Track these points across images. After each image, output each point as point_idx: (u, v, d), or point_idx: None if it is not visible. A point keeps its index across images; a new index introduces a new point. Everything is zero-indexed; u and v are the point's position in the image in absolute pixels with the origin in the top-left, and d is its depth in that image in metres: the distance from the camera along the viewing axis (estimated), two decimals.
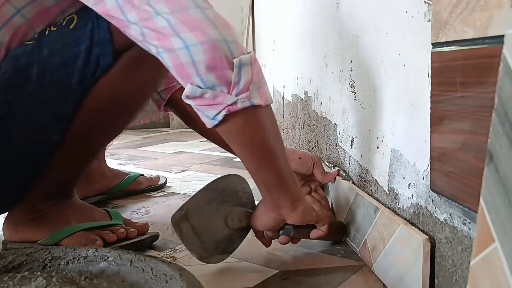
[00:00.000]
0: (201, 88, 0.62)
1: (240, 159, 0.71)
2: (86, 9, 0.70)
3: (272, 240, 0.78)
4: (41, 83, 0.75)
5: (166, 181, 1.29)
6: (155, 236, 0.86)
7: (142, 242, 0.83)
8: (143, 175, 1.26)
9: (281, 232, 0.76)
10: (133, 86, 0.79)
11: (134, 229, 0.84)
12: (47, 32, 0.76)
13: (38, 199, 0.83)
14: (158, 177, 1.28)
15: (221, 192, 0.75)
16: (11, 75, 0.74)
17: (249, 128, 0.67)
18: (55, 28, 0.76)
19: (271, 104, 0.71)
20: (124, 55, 0.76)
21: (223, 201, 0.75)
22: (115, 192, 1.17)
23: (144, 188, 1.22)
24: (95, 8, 0.67)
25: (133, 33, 0.64)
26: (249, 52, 0.66)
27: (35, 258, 0.68)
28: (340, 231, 0.82)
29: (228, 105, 0.63)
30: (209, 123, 0.66)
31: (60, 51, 0.75)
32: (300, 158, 0.89)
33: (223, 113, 0.63)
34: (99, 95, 0.77)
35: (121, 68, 0.77)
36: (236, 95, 0.63)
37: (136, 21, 0.63)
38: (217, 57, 0.61)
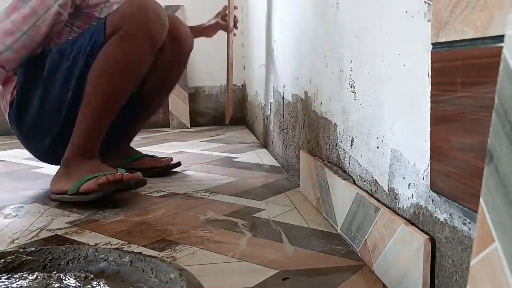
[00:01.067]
0: None
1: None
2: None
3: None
4: (70, 58, 1.21)
5: (176, 164, 1.50)
6: (142, 181, 1.15)
7: (127, 182, 1.11)
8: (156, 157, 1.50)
9: None
10: (121, 53, 1.15)
11: (128, 174, 1.13)
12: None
13: (71, 156, 1.17)
14: (169, 159, 1.49)
15: None
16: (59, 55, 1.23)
17: None
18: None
19: None
20: (113, 36, 1.16)
21: None
22: (121, 167, 1.36)
23: (147, 167, 1.42)
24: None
25: None
26: None
27: (35, 258, 0.68)
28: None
29: None
30: None
31: (79, 39, 1.22)
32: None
33: None
34: (100, 62, 1.16)
35: (112, 43, 1.16)
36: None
37: None
38: None
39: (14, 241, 0.88)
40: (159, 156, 1.54)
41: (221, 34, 2.89)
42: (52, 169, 1.37)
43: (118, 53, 1.16)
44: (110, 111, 1.19)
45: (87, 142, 1.17)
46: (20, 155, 1.80)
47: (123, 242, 0.86)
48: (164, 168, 1.47)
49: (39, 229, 0.94)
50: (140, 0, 1.18)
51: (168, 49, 1.37)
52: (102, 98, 1.16)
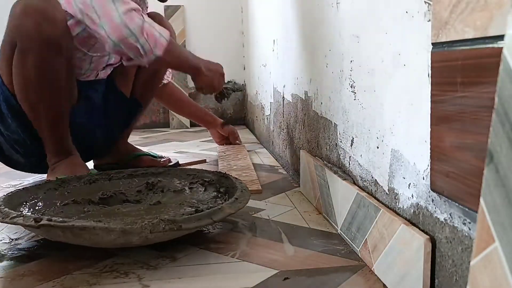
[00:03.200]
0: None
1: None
2: None
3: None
4: None
5: (174, 165, 1.53)
6: None
7: None
8: (158, 156, 1.53)
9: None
10: (28, 68, 1.13)
11: None
12: None
13: (49, 157, 1.23)
14: (168, 160, 1.52)
15: None
16: None
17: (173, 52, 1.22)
18: None
19: None
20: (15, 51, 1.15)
21: None
22: (120, 164, 1.45)
23: (145, 166, 1.41)
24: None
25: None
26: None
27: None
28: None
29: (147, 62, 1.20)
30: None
31: None
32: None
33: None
34: (16, 80, 1.16)
35: (15, 60, 1.14)
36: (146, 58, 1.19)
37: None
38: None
39: (15, 241, 0.88)
40: (158, 154, 1.55)
41: (221, 34, 2.89)
42: None
43: (24, 70, 1.14)
44: (55, 117, 1.20)
45: (54, 144, 1.22)
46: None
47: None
48: None
49: None
50: (20, 5, 1.11)
51: None
52: (39, 112, 1.17)
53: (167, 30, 1.22)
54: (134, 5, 1.16)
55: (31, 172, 1.38)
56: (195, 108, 1.86)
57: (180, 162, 1.56)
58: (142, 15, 1.17)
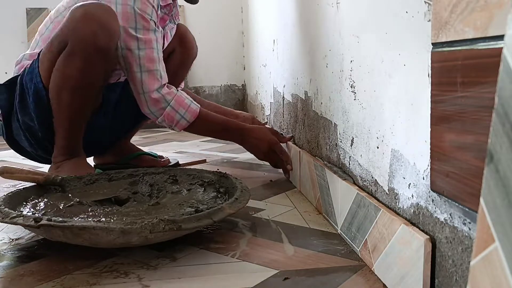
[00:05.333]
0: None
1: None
2: None
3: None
4: (25, 84, 1.29)
5: (175, 165, 1.54)
6: None
7: None
8: (158, 156, 1.55)
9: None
10: (70, 70, 1.17)
11: None
12: None
13: (57, 155, 1.26)
14: (168, 160, 1.54)
15: None
16: None
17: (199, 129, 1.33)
18: None
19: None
20: (62, 52, 1.19)
21: None
22: (120, 164, 1.48)
23: (146, 166, 1.44)
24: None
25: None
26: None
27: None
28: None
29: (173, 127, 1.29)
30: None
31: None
32: (244, 116, 1.53)
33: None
34: (54, 79, 1.20)
35: (61, 60, 1.18)
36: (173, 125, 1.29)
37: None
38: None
39: (14, 241, 0.88)
40: (159, 155, 1.56)
41: (221, 34, 2.88)
42: None
43: (68, 70, 1.18)
44: (78, 119, 1.24)
45: (67, 143, 1.25)
46: (20, 155, 1.80)
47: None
48: None
49: None
50: (81, 10, 1.16)
51: (177, 53, 1.43)
52: (66, 111, 1.21)
53: (196, 106, 1.29)
54: (165, 80, 1.26)
55: (33, 160, 1.41)
56: (221, 109, 1.67)
57: (180, 162, 1.56)
58: (172, 92, 1.26)
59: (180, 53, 1.49)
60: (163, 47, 1.37)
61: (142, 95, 1.24)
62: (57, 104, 1.21)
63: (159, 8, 1.27)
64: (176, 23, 1.47)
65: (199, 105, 1.31)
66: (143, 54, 1.21)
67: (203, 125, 1.31)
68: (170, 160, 1.55)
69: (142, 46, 1.20)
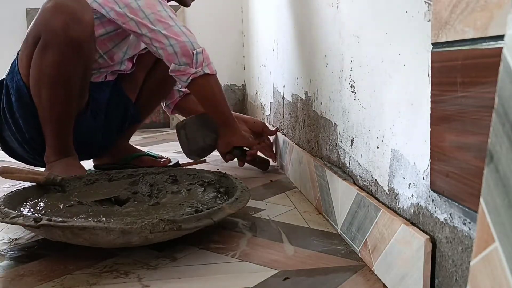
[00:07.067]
0: (178, 65, 1.23)
1: (203, 107, 1.37)
2: None
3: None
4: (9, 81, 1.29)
5: (175, 165, 1.55)
6: None
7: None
8: (158, 156, 1.55)
9: (234, 152, 1.41)
10: (45, 64, 1.16)
11: None
12: None
13: (48, 155, 1.25)
14: (168, 160, 1.54)
15: (205, 121, 1.38)
16: None
17: (205, 86, 1.27)
18: None
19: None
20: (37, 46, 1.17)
21: (205, 127, 1.37)
22: (120, 164, 1.48)
23: (146, 166, 1.43)
24: (124, 26, 1.23)
25: (145, 39, 1.24)
26: (201, 47, 1.25)
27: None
28: (264, 161, 1.46)
29: (192, 74, 1.24)
30: (184, 85, 1.27)
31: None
32: (254, 122, 1.54)
33: (190, 78, 1.24)
34: (32, 73, 1.18)
35: (36, 54, 1.17)
36: (196, 68, 1.23)
37: (146, 32, 1.22)
38: (186, 50, 1.22)
39: (15, 241, 0.88)
40: (158, 154, 1.56)
41: (221, 34, 2.88)
42: None
43: (43, 65, 1.16)
44: (63, 116, 1.21)
45: (57, 143, 1.23)
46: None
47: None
48: None
49: None
50: (51, 2, 1.14)
51: (160, 64, 1.42)
52: (48, 107, 1.19)
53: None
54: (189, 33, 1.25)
55: (28, 164, 1.38)
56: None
57: (180, 162, 1.56)
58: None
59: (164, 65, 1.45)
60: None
61: (169, 47, 1.21)
62: (38, 101, 1.19)
63: None
64: None
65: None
66: (150, 14, 1.20)
67: (215, 84, 1.29)
68: (171, 160, 1.55)
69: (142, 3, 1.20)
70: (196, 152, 1.40)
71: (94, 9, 1.20)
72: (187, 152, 1.42)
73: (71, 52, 1.15)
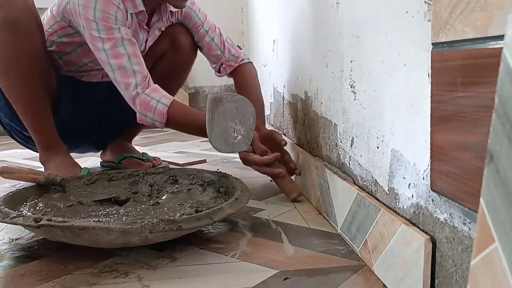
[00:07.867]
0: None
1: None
2: None
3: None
4: None
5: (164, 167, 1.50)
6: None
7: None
8: (147, 159, 1.49)
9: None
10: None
11: None
12: None
13: (41, 154, 1.25)
14: (156, 164, 1.47)
15: (240, 110, 1.10)
16: None
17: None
18: None
19: None
20: None
21: (237, 116, 1.09)
22: (114, 163, 1.48)
23: (131, 168, 1.38)
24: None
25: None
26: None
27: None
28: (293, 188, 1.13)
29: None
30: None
31: None
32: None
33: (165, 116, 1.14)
34: None
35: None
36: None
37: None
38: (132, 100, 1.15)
39: (15, 241, 0.88)
40: (150, 157, 1.53)
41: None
42: None
43: None
44: (30, 101, 1.19)
45: (40, 138, 1.23)
46: (20, 155, 1.80)
47: None
48: None
49: None
50: None
51: (167, 56, 1.39)
52: (12, 94, 1.19)
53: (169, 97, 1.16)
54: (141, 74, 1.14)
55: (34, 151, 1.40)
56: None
57: (180, 162, 1.55)
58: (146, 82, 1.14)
59: (170, 55, 1.40)
60: (145, 49, 1.31)
61: (122, 93, 1.15)
62: (5, 93, 1.20)
63: (128, 13, 1.19)
64: (159, 30, 1.36)
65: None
66: (110, 53, 1.12)
67: (180, 113, 1.15)
68: (160, 163, 1.50)
69: (107, 46, 1.12)
70: (220, 140, 1.09)
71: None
72: (208, 133, 1.10)
73: (8, 34, 1.13)
